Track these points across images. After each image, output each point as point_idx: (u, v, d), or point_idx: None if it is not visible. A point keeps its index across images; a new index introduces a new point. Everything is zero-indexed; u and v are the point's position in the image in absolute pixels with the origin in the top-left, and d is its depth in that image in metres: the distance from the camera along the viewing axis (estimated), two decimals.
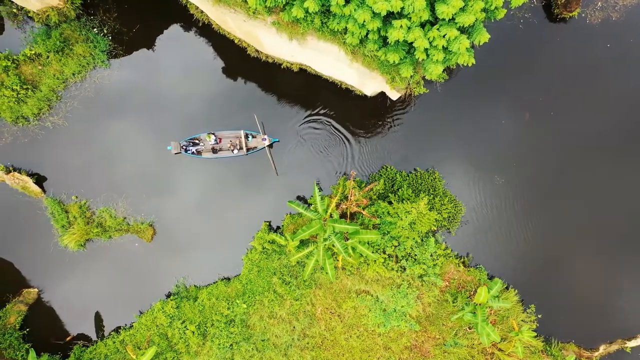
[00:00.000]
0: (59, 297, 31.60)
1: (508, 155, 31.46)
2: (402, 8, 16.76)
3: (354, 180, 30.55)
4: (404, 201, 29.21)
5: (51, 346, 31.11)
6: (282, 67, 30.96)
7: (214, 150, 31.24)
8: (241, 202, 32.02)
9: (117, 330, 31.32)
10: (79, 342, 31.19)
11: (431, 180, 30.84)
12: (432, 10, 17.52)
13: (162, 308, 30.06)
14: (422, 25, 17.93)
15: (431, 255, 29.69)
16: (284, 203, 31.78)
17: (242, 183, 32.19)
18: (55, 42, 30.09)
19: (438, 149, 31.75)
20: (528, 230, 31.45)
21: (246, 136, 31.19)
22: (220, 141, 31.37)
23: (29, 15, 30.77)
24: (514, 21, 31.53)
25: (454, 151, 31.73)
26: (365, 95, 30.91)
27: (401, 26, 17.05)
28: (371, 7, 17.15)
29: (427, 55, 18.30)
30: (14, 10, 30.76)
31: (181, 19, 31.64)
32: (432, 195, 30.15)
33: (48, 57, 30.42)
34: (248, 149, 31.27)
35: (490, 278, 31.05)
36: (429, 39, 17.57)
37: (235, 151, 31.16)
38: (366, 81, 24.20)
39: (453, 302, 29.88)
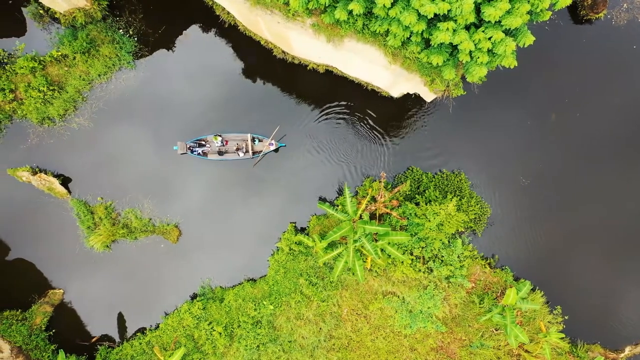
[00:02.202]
0: (84, 298, 31.62)
1: (534, 156, 31.44)
2: (449, 10, 16.77)
3: (381, 182, 30.58)
4: (431, 203, 29.23)
5: (76, 347, 31.15)
6: (308, 68, 30.95)
7: (220, 153, 31.19)
8: (264, 203, 32.00)
9: (142, 331, 31.34)
10: (104, 343, 31.22)
11: (457, 181, 30.84)
12: (477, 12, 17.53)
13: (189, 309, 30.08)
14: (467, 27, 17.94)
15: (458, 257, 29.68)
16: (307, 204, 31.95)
17: (264, 184, 32.12)
18: (82, 43, 30.06)
19: (463, 150, 31.73)
20: (554, 231, 31.44)
21: (253, 139, 31.12)
22: (226, 143, 31.34)
23: (55, 16, 30.76)
24: (540, 23, 31.50)
25: (479, 152, 31.72)
26: (392, 97, 30.93)
27: (447, 29, 17.06)
28: (417, 10, 17.16)
29: (471, 58, 18.32)
30: (40, 12, 30.76)
31: (207, 20, 31.60)
32: (458, 197, 30.13)
33: (74, 58, 30.40)
34: (254, 153, 31.21)
35: (516, 279, 31.05)
36: (474, 41, 17.58)
37: (241, 154, 31.07)
38: (400, 82, 24.22)
39: (480, 304, 29.88)
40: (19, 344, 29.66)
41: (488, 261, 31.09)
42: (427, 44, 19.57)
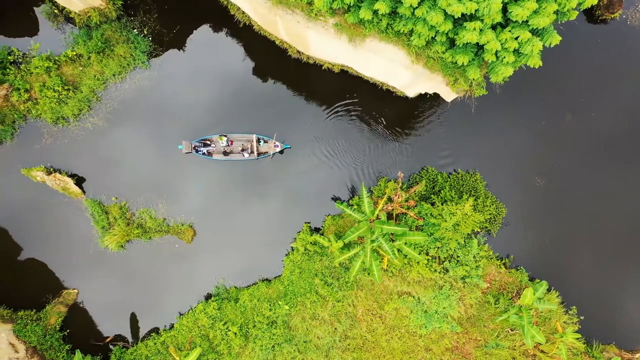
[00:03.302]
0: (98, 298, 31.56)
1: (549, 156, 31.39)
2: (476, 10, 16.72)
3: (395, 182, 30.54)
4: (447, 203, 29.19)
5: (90, 347, 31.09)
6: (322, 68, 30.90)
7: (225, 153, 31.14)
8: (277, 203, 31.95)
9: (156, 331, 31.29)
10: (118, 343, 31.17)
11: (472, 181, 30.79)
12: (503, 12, 17.47)
13: (204, 309, 30.03)
14: (493, 27, 17.89)
15: (474, 257, 29.63)
16: (319, 204, 31.87)
17: (277, 185, 32.03)
18: (97, 43, 30.02)
19: (477, 150, 31.69)
20: (568, 231, 31.40)
21: (258, 140, 31.08)
22: (231, 144, 31.31)
23: (70, 16, 30.71)
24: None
25: (493, 152, 31.68)
26: (406, 97, 30.89)
27: (474, 28, 17.00)
28: (444, 10, 17.10)
29: (497, 57, 18.27)
30: (55, 11, 30.70)
31: (221, 19, 31.55)
32: (474, 197, 30.08)
33: (89, 58, 30.36)
34: (259, 154, 31.16)
35: (531, 279, 31.00)
36: (500, 41, 17.54)
37: (246, 155, 31.01)
38: (420, 82, 24.16)
39: (495, 304, 29.83)
40: (33, 344, 29.62)
41: (503, 261, 31.04)
42: (451, 43, 19.52)
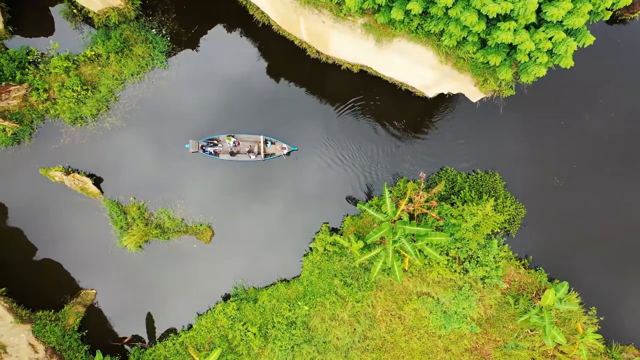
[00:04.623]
0: (116, 298, 31.51)
1: (568, 156, 31.33)
2: (511, 10, 16.67)
3: (414, 182, 30.50)
4: (467, 203, 29.14)
5: (108, 347, 31.03)
6: (341, 68, 30.85)
7: (232, 153, 31.11)
8: (295, 204, 31.87)
9: (175, 332, 31.23)
10: (136, 343, 31.10)
11: (492, 181, 30.73)
12: (536, 12, 17.41)
13: (223, 310, 29.98)
14: (526, 27, 17.83)
15: (494, 258, 29.56)
16: (336, 205, 31.79)
17: (294, 186, 31.97)
18: (116, 42, 29.96)
19: (496, 151, 31.63)
20: (587, 232, 31.33)
21: (265, 142, 31.02)
22: (238, 144, 31.25)
23: (89, 15, 30.65)
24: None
25: (512, 152, 31.62)
26: (425, 97, 30.83)
27: (508, 29, 16.94)
28: (478, 10, 17.04)
29: (529, 58, 18.21)
30: (74, 11, 30.64)
31: (239, 19, 31.52)
32: (493, 197, 30.01)
33: (108, 57, 30.30)
34: (266, 155, 31.10)
35: (550, 280, 30.94)
36: (534, 41, 17.48)
37: (253, 156, 30.96)
38: (444, 82, 24.10)
39: (515, 305, 29.77)
40: (52, 344, 29.58)
41: (522, 262, 30.97)
42: (482, 44, 19.46)
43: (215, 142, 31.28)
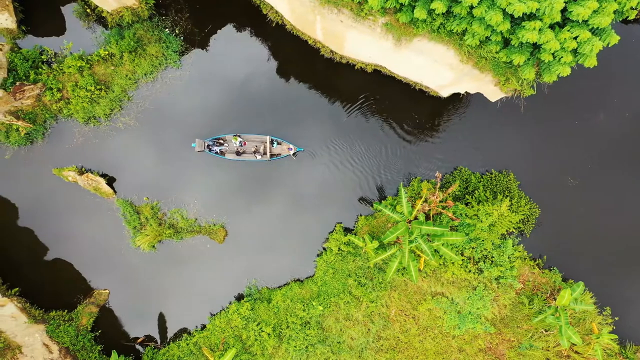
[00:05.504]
0: (129, 298, 31.49)
1: (582, 156, 31.25)
2: (537, 9, 16.60)
3: (433, 182, 30.43)
4: (482, 203, 29.07)
5: (122, 348, 31.00)
6: (355, 68, 30.77)
7: (238, 153, 31.06)
8: (306, 204, 31.77)
9: (188, 332, 31.18)
10: (149, 343, 31.05)
11: (506, 181, 30.65)
12: (561, 11, 17.34)
13: (237, 310, 29.92)
14: (550, 27, 17.76)
15: (509, 258, 29.50)
16: (349, 204, 31.72)
17: (305, 186, 31.87)
18: (129, 42, 29.88)
19: (510, 150, 31.54)
20: (601, 232, 31.24)
21: (271, 142, 30.98)
22: (244, 144, 31.21)
23: (102, 15, 30.58)
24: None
25: (525, 152, 31.52)
26: (439, 97, 30.75)
27: (534, 28, 16.87)
28: (503, 9, 16.97)
29: (553, 57, 18.13)
30: (87, 10, 30.57)
31: (253, 19, 31.41)
32: (508, 197, 29.93)
33: (122, 57, 30.22)
34: (272, 155, 31.05)
35: (564, 280, 30.88)
36: (559, 40, 17.40)
37: (259, 156, 30.92)
38: (462, 82, 24.02)
39: (529, 305, 29.70)
40: (66, 344, 29.58)
41: (536, 262, 30.90)
42: (505, 43, 19.39)
43: (222, 141, 31.23)
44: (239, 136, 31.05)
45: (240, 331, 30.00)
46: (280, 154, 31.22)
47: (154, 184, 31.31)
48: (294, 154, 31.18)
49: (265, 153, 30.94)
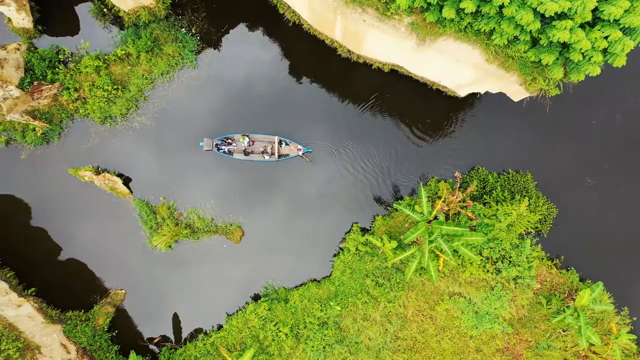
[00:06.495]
0: (145, 298, 31.44)
1: (599, 156, 31.19)
2: (569, 9, 16.55)
3: (452, 182, 30.37)
4: (500, 203, 29.01)
5: (138, 347, 30.93)
6: (372, 67, 30.70)
7: (246, 153, 31.01)
8: (321, 204, 31.69)
9: (204, 332, 31.14)
10: (166, 343, 31.01)
11: (523, 181, 30.59)
12: (592, 10, 17.29)
13: (255, 310, 29.86)
14: (581, 26, 17.71)
15: (527, 258, 29.43)
16: (365, 204, 31.67)
17: (320, 186, 31.81)
18: (146, 42, 29.83)
19: (526, 150, 31.50)
20: (619, 232, 31.18)
21: (279, 142, 30.93)
22: (253, 144, 31.16)
23: (119, 15, 30.52)
24: None
25: (542, 152, 31.47)
26: (456, 97, 30.70)
27: (565, 27, 16.82)
28: (534, 8, 16.92)
29: (583, 57, 18.08)
30: (104, 10, 30.52)
31: (269, 18, 31.34)
32: (526, 197, 29.87)
33: (139, 57, 30.17)
34: (280, 156, 31.00)
35: (581, 280, 30.82)
36: (590, 40, 17.35)
37: (267, 157, 30.87)
38: (485, 82, 23.94)
39: (547, 305, 29.65)
40: (83, 345, 29.52)
41: (554, 262, 30.84)
42: (533, 42, 19.33)
43: (230, 141, 31.17)
44: (248, 136, 30.99)
45: (258, 331, 29.94)
46: (288, 155, 31.16)
47: (170, 184, 31.26)
48: (304, 154, 31.04)
49: (273, 153, 30.89)
